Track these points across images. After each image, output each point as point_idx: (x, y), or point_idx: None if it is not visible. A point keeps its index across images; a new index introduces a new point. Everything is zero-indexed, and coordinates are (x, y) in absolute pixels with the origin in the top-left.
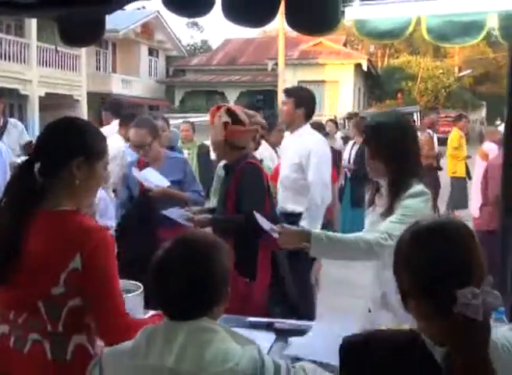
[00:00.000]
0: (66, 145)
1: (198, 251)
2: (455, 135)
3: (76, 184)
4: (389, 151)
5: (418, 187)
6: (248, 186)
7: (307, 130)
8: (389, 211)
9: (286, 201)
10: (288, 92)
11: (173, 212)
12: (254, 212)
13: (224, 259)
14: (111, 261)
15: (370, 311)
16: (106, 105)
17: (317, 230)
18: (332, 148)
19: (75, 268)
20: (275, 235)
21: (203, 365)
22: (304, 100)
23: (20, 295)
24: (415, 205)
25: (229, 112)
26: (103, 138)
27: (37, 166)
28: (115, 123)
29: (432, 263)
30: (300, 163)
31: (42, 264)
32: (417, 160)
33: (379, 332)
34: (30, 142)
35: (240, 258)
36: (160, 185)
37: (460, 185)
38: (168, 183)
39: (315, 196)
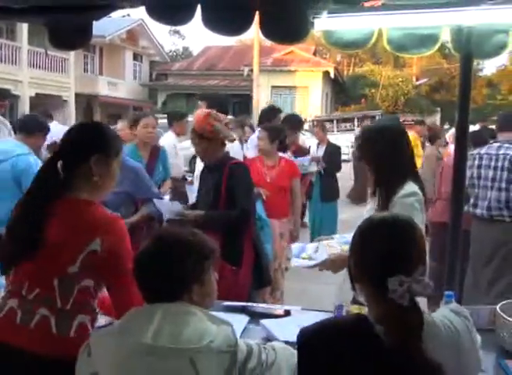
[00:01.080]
0: (86, 143)
1: (167, 246)
2: (411, 136)
3: (94, 179)
4: (369, 154)
5: (408, 188)
6: (242, 183)
7: None
8: (382, 209)
9: None
10: (201, 97)
11: (164, 204)
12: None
13: (192, 254)
14: (128, 246)
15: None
16: (39, 112)
17: None
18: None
19: (93, 250)
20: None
21: (180, 342)
22: (216, 102)
23: (37, 272)
24: (407, 206)
25: (217, 118)
26: (119, 139)
27: (60, 163)
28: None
29: (370, 253)
30: None
31: (62, 244)
32: (405, 162)
33: (331, 319)
34: (55, 142)
35: (228, 249)
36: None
37: None
38: None
39: None
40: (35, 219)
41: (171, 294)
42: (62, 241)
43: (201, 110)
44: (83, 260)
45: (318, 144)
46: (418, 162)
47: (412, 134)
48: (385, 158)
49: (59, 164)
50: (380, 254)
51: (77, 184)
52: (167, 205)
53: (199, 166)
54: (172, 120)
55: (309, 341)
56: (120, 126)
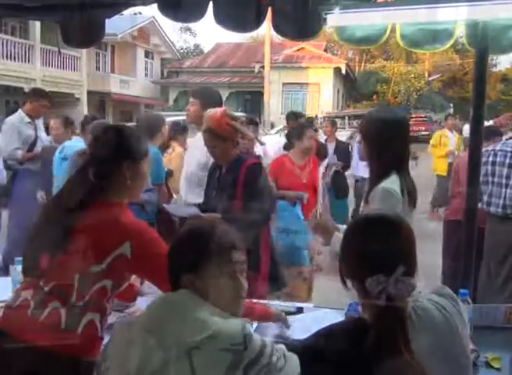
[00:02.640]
0: (116, 151)
1: (184, 237)
2: (437, 134)
3: (127, 183)
4: (369, 140)
5: (388, 182)
6: (259, 185)
7: None
8: (365, 201)
9: (188, 195)
10: (194, 94)
11: (177, 208)
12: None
13: (189, 250)
14: (160, 253)
15: None
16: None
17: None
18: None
19: (122, 254)
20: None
21: (179, 333)
22: (211, 101)
23: (59, 265)
24: (380, 199)
25: (233, 117)
26: (144, 140)
27: (91, 171)
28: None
29: (353, 251)
30: (206, 162)
31: (91, 244)
32: (397, 154)
33: (330, 328)
34: (84, 151)
35: (247, 254)
36: None
37: (440, 183)
38: None
39: None
40: (66, 221)
41: (175, 284)
42: (91, 242)
43: (215, 110)
44: (110, 262)
45: (326, 140)
46: (440, 163)
47: (441, 131)
48: (379, 146)
49: (91, 174)
50: (360, 252)
51: (109, 189)
52: (181, 209)
53: (190, 163)
54: (289, 120)
55: (310, 355)
56: (53, 124)
